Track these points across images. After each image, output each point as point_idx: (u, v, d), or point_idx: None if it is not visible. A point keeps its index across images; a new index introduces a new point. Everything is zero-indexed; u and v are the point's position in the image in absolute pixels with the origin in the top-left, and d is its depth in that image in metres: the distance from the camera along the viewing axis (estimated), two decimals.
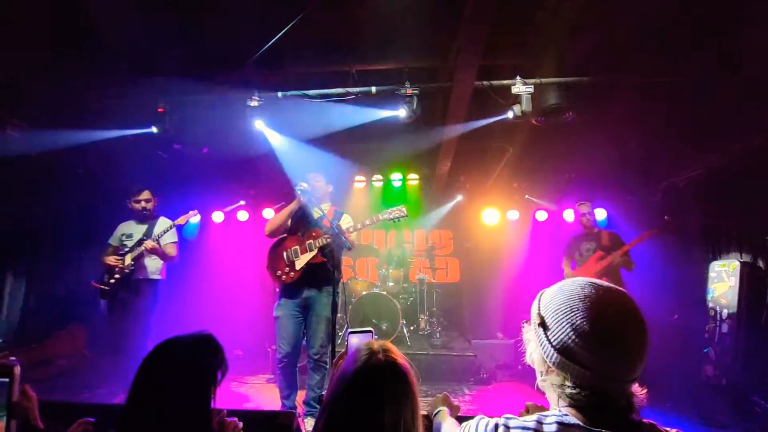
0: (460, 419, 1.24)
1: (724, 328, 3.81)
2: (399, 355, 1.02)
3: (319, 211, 2.94)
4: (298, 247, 3.00)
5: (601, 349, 0.80)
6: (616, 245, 3.91)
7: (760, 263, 3.69)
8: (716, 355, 3.81)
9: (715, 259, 4.12)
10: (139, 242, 3.51)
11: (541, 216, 6.26)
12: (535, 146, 5.01)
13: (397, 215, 2.90)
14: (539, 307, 0.91)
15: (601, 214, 5.86)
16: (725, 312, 3.83)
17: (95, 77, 3.81)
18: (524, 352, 0.96)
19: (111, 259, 3.44)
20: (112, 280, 3.39)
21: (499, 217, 6.38)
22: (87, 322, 4.75)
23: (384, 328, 4.99)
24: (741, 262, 3.78)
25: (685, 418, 3.46)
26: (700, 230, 4.44)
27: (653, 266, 4.79)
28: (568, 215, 5.98)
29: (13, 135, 3.85)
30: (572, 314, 0.83)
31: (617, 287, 0.88)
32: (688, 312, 4.28)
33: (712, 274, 4.08)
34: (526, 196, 6.15)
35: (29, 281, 4.40)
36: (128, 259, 3.44)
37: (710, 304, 4.02)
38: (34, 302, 4.35)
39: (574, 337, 0.81)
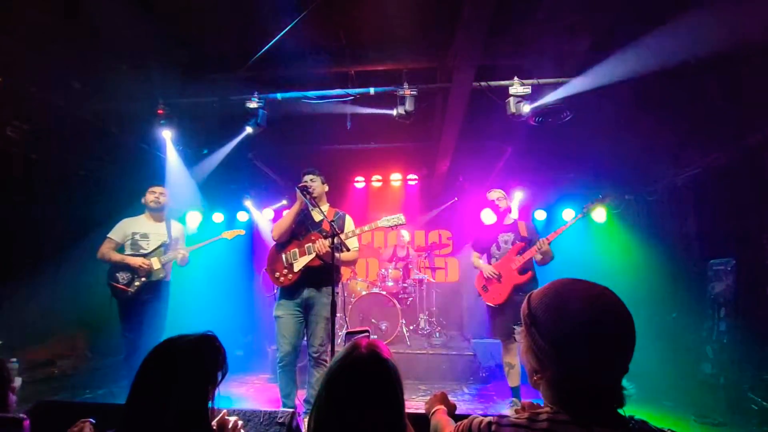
0: (457, 418, 1.26)
1: (722, 326, 3.82)
2: (385, 351, 1.02)
3: (320, 213, 2.96)
4: (297, 249, 3.02)
5: (591, 342, 0.82)
6: (534, 236, 3.50)
7: (758, 261, 3.70)
8: (714, 353, 3.83)
9: (713, 257, 4.13)
10: (165, 246, 3.46)
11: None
12: (534, 146, 5.03)
13: (394, 223, 2.96)
14: (529, 307, 0.93)
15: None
16: (723, 310, 3.85)
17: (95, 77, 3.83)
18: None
19: (136, 261, 3.32)
20: (137, 283, 3.30)
21: (498, 217, 6.38)
22: (89, 323, 4.77)
23: (384, 328, 5.01)
24: (738, 261, 3.80)
25: (682, 416, 3.49)
26: (698, 228, 4.45)
27: (651, 264, 4.81)
28: (568, 215, 5.99)
29: (13, 137, 3.87)
30: (561, 311, 0.86)
31: (599, 284, 0.90)
32: (687, 310, 4.30)
33: (709, 273, 4.09)
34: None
35: (32, 282, 4.41)
36: (157, 263, 3.38)
37: (708, 303, 4.04)
38: (36, 303, 4.37)
39: (565, 332, 0.84)
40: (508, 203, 3.68)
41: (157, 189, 3.58)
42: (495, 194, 3.68)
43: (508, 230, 3.62)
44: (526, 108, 3.59)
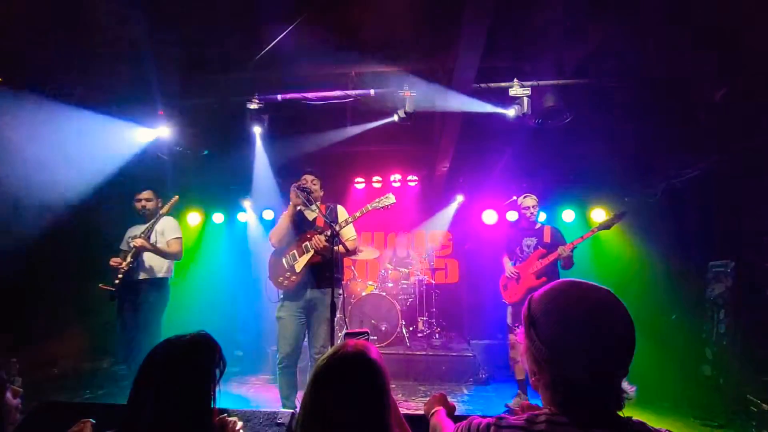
0: (457, 419, 1.26)
1: (722, 328, 3.82)
2: (373, 352, 1.02)
3: (314, 211, 2.96)
4: (295, 251, 3.03)
5: (590, 344, 0.81)
6: (558, 242, 3.68)
7: (758, 263, 3.70)
8: (714, 354, 3.83)
9: (712, 259, 4.13)
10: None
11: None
12: (534, 147, 5.03)
13: (385, 203, 2.93)
14: (529, 309, 0.93)
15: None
16: (722, 312, 3.84)
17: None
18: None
19: (113, 261, 3.43)
20: (117, 281, 3.37)
21: (497, 218, 6.40)
22: (89, 323, 4.77)
23: (383, 328, 5.01)
24: (738, 262, 3.80)
25: (682, 417, 3.48)
26: (698, 230, 4.45)
27: (651, 266, 4.81)
28: (568, 216, 5.99)
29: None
30: (560, 312, 0.86)
31: (601, 286, 0.89)
32: (686, 312, 4.30)
33: (709, 275, 4.09)
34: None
35: (32, 282, 4.42)
36: (128, 258, 3.42)
37: (708, 304, 4.04)
38: (36, 303, 4.37)
39: (563, 334, 0.84)
40: (537, 209, 3.84)
41: (142, 195, 3.59)
42: (530, 201, 3.81)
43: (533, 235, 3.78)
44: (521, 110, 3.61)
